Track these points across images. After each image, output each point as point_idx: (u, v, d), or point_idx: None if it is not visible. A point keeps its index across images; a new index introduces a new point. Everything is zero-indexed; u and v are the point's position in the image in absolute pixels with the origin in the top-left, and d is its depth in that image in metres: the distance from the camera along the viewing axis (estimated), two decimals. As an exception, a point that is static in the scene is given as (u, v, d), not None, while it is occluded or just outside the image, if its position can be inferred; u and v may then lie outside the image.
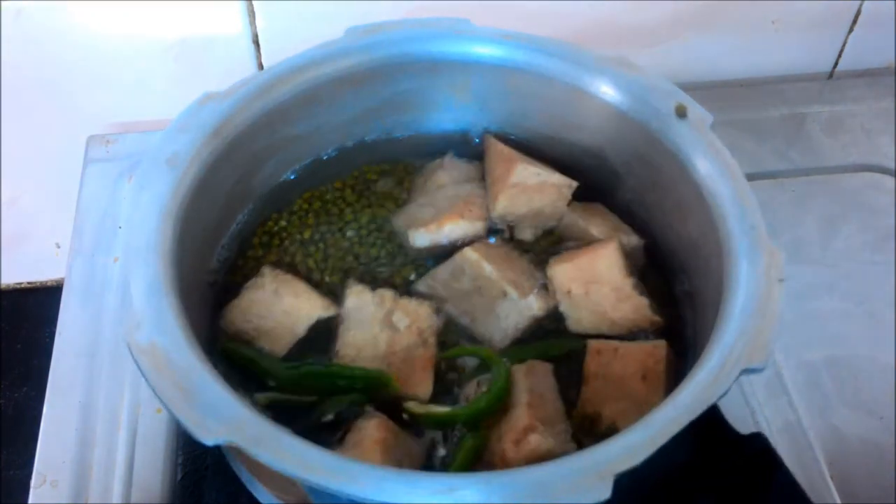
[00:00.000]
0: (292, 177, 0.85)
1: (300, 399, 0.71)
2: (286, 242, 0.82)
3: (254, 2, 0.99)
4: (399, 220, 0.83)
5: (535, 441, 0.66)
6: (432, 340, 0.75)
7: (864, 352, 0.90)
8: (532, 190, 0.81)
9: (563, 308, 0.77)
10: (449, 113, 0.87)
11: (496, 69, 0.83)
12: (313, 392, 0.71)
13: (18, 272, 1.24)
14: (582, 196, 0.83)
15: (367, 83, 0.83)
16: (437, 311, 0.77)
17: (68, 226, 0.97)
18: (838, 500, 0.79)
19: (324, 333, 0.75)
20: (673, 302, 0.78)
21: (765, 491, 0.66)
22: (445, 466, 0.69)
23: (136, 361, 0.60)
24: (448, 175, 0.85)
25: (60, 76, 1.03)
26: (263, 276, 0.77)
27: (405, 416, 0.70)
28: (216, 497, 0.78)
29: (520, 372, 0.71)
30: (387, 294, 0.76)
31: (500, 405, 0.70)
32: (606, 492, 0.54)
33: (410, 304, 0.76)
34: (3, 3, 0.95)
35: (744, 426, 0.81)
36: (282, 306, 0.75)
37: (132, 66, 1.03)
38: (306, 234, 0.83)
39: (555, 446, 0.67)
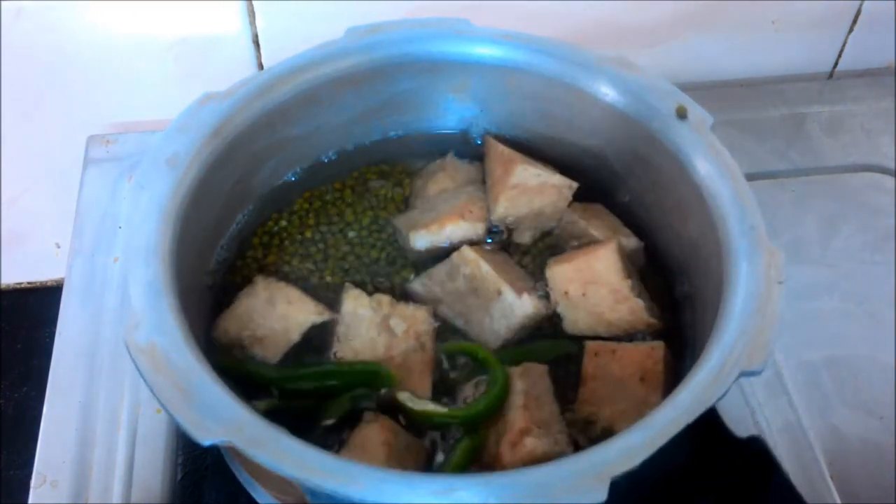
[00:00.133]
0: (292, 177, 0.85)
1: (299, 404, 0.71)
2: (286, 242, 0.82)
3: (254, 2, 0.99)
4: (399, 222, 0.83)
5: (531, 443, 0.66)
6: (430, 345, 0.75)
7: (864, 352, 0.90)
8: (532, 191, 0.81)
9: (560, 309, 0.77)
10: (449, 113, 0.88)
11: (496, 69, 0.83)
12: (312, 396, 0.71)
13: (18, 272, 1.24)
14: (582, 197, 0.83)
15: (368, 83, 0.83)
16: (435, 315, 0.77)
17: (68, 226, 0.97)
18: (838, 500, 0.79)
19: (318, 340, 0.75)
20: (672, 303, 0.78)
21: (762, 493, 0.66)
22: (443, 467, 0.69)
23: (134, 361, 0.60)
24: (449, 176, 0.85)
25: (60, 76, 1.03)
26: (256, 284, 0.77)
27: (400, 417, 0.70)
28: (216, 497, 0.78)
29: (515, 374, 0.71)
30: (384, 299, 0.76)
31: (497, 409, 0.70)
32: (603, 493, 0.54)
33: (408, 308, 0.76)
34: (3, 3, 0.95)
35: (744, 426, 0.82)
36: (275, 313, 0.75)
37: (132, 66, 1.03)
38: (307, 234, 0.83)
39: (550, 448, 0.67)
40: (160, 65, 1.03)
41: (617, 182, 0.84)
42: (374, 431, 0.68)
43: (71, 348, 0.87)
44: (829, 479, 0.80)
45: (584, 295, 0.76)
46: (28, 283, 1.26)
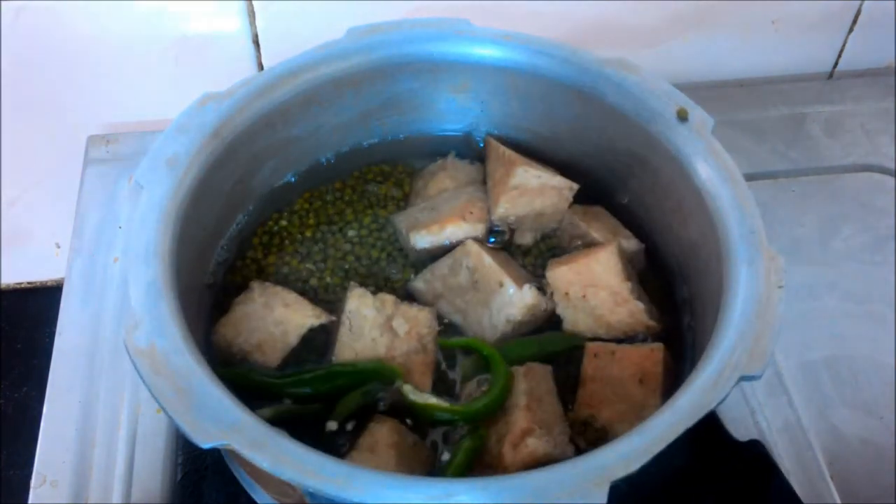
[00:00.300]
0: (292, 178, 0.85)
1: (303, 408, 0.71)
2: (286, 242, 0.82)
3: (254, 2, 0.99)
4: (400, 222, 0.83)
5: (533, 444, 0.66)
6: (432, 346, 0.75)
7: (864, 352, 0.90)
8: (533, 192, 0.81)
9: (560, 310, 0.77)
10: (449, 114, 0.88)
11: (496, 70, 0.83)
12: (318, 399, 0.71)
13: (18, 272, 1.24)
14: (583, 198, 0.83)
15: (368, 84, 0.83)
16: (437, 316, 0.77)
17: (68, 226, 0.97)
18: (838, 500, 0.79)
19: (317, 343, 0.75)
20: (672, 305, 0.78)
21: (762, 497, 0.66)
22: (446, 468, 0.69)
23: (133, 363, 0.60)
24: (449, 176, 0.85)
25: (60, 76, 1.03)
26: (252, 290, 0.77)
27: (407, 420, 0.70)
28: (216, 497, 0.78)
29: (518, 374, 0.71)
30: (388, 298, 0.76)
31: (499, 406, 0.70)
32: (602, 497, 0.54)
33: (411, 309, 0.76)
34: (3, 3, 0.95)
35: (744, 426, 0.82)
36: (273, 317, 0.74)
37: (132, 66, 1.03)
38: (307, 234, 0.83)
39: (552, 449, 0.67)
40: (160, 65, 1.03)
41: (617, 184, 0.84)
42: (382, 434, 0.68)
43: (71, 348, 0.87)
44: (829, 479, 0.81)
45: (584, 297, 0.76)
46: (28, 283, 1.26)
